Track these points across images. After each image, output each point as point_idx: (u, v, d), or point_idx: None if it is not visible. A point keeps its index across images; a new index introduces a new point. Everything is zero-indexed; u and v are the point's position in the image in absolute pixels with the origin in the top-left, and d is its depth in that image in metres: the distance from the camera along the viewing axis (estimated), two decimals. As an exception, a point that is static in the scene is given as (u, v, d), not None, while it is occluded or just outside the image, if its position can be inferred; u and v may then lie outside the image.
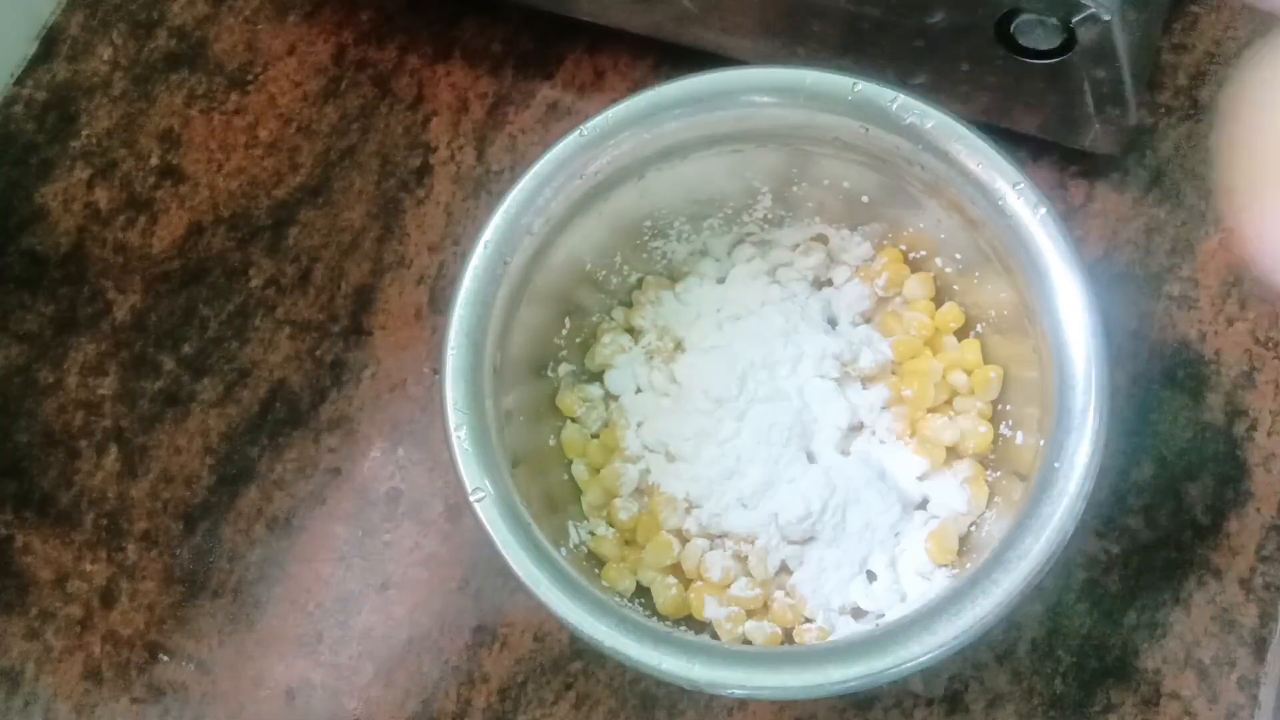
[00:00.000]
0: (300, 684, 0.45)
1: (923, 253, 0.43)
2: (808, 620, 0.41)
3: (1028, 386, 0.40)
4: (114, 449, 0.49)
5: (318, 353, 0.49)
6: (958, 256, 0.42)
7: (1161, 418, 0.45)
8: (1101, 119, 0.43)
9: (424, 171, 0.51)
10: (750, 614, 0.41)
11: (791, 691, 0.35)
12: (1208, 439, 0.44)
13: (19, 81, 0.55)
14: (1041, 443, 0.37)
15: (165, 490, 0.48)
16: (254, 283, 0.50)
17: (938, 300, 0.44)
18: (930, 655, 0.34)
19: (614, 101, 0.40)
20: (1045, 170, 0.48)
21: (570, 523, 0.42)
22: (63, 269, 0.52)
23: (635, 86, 0.51)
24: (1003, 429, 0.42)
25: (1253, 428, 0.44)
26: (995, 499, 0.41)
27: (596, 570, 0.41)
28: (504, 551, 0.36)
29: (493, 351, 0.39)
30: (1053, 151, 0.47)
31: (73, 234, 0.52)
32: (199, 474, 0.48)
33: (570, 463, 0.43)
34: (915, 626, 0.34)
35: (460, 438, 0.37)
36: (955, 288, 0.43)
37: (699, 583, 0.41)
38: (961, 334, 0.44)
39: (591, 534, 0.42)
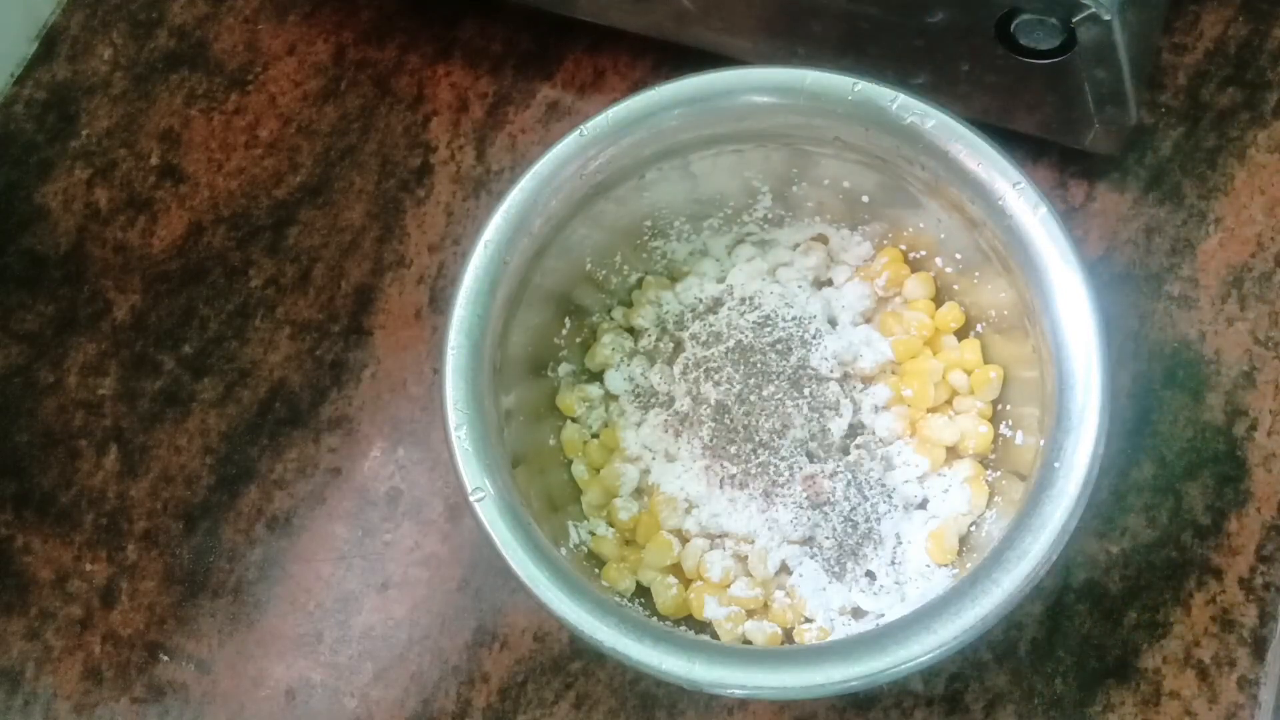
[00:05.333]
0: (300, 684, 0.45)
1: (923, 253, 0.43)
2: (808, 620, 0.40)
3: (1028, 386, 0.40)
4: (114, 449, 0.49)
5: (318, 353, 0.49)
6: (958, 256, 0.42)
7: (1161, 418, 0.45)
8: (1101, 119, 0.43)
9: (424, 171, 0.51)
10: (750, 614, 0.41)
11: (791, 691, 0.35)
12: (1208, 439, 0.44)
13: (19, 81, 0.55)
14: (1041, 443, 0.37)
15: (165, 490, 0.48)
16: (254, 282, 0.50)
17: (938, 300, 0.44)
18: (930, 655, 0.34)
19: (614, 101, 0.40)
20: (1045, 170, 0.48)
21: (570, 523, 0.42)
22: (63, 269, 0.52)
23: (635, 86, 0.51)
24: (1003, 429, 0.42)
25: (1253, 428, 0.44)
26: (995, 499, 0.41)
27: (596, 570, 0.41)
28: (504, 551, 0.36)
29: (493, 351, 0.39)
30: (1053, 151, 0.47)
31: (73, 234, 0.52)
32: (199, 474, 0.48)
33: (570, 463, 0.43)
34: (915, 626, 0.34)
35: (460, 438, 0.37)
36: (955, 288, 0.43)
37: (699, 583, 0.41)
38: (961, 334, 0.43)
39: (591, 534, 0.42)
